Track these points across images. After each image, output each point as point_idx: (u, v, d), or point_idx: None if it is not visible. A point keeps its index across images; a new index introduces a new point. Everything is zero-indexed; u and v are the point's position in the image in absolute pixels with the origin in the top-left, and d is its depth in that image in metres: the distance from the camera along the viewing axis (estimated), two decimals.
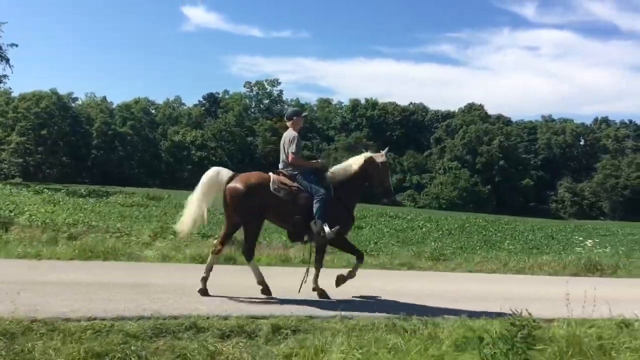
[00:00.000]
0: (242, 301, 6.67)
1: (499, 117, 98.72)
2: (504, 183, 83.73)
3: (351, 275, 7.39)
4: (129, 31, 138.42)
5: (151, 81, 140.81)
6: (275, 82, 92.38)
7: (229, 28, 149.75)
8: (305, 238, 7.16)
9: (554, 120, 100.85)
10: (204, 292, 6.84)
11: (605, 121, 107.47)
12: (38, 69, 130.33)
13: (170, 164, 79.48)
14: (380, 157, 7.52)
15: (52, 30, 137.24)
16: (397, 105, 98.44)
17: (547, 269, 11.90)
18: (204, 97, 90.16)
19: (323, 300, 7.06)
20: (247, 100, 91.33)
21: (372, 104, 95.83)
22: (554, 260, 12.67)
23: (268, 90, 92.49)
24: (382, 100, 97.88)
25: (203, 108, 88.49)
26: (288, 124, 7.48)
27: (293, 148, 7.13)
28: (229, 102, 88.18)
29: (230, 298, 6.77)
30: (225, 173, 7.14)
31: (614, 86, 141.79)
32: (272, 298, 6.93)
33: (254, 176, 7.09)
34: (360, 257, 7.49)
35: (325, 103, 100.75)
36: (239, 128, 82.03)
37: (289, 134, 7.32)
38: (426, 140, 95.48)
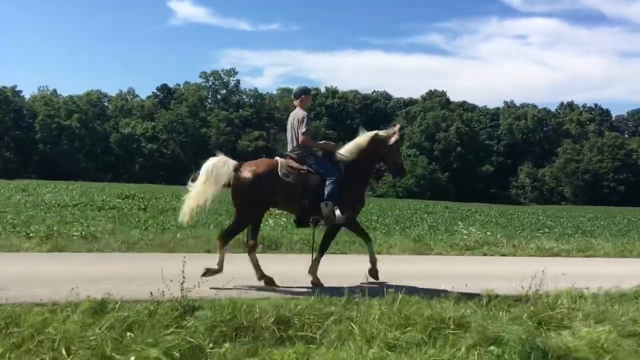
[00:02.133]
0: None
1: (463, 104, 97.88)
2: (463, 170, 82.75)
3: (374, 260, 7.20)
4: (115, 26, 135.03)
5: (137, 77, 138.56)
6: (232, 72, 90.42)
7: (216, 22, 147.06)
8: (312, 221, 6.90)
9: (516, 105, 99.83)
10: (269, 281, 6.72)
11: (570, 106, 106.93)
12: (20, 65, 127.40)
13: (120, 157, 77.47)
14: (393, 136, 7.18)
15: (33, 25, 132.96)
16: (358, 93, 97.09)
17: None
18: (157, 89, 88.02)
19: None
20: (205, 91, 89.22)
21: (332, 92, 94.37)
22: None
23: (225, 80, 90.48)
24: (365, 91, 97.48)
25: (157, 99, 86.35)
26: (296, 102, 7.14)
27: (303, 128, 6.80)
28: (184, 93, 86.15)
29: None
30: (232, 163, 6.71)
31: (603, 73, 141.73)
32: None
33: (261, 164, 6.75)
34: (369, 242, 7.28)
35: (285, 92, 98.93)
36: (192, 119, 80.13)
37: (298, 113, 6.97)
38: (387, 128, 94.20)
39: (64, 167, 73.27)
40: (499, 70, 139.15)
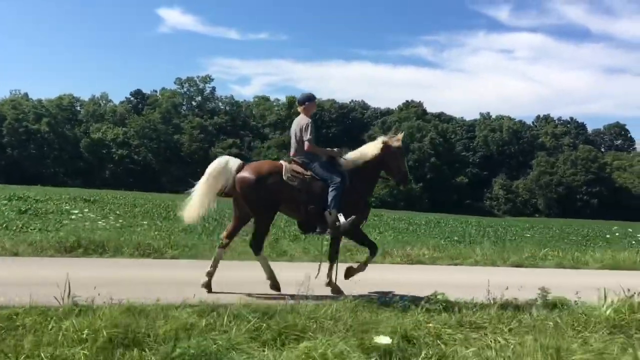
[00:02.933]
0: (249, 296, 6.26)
1: (440, 115, 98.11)
2: (437, 181, 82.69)
3: (361, 268, 7.14)
4: (102, 32, 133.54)
5: (124, 84, 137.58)
6: (207, 79, 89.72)
7: (205, 30, 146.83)
8: (318, 229, 6.83)
9: (491, 117, 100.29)
10: (207, 285, 6.63)
11: (546, 119, 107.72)
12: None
13: (90, 162, 76.24)
14: (396, 142, 7.21)
15: (23, 31, 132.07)
16: (335, 102, 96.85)
17: None
18: (131, 94, 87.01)
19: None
20: (180, 98, 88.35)
21: None
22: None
23: (200, 87, 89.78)
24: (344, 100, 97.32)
25: (130, 105, 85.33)
26: (300, 109, 7.15)
27: (308, 135, 6.78)
28: (158, 99, 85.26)
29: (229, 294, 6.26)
30: (234, 162, 6.74)
31: (588, 88, 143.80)
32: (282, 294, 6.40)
33: (265, 165, 6.85)
34: (373, 251, 7.19)
35: (262, 100, 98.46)
36: (165, 125, 79.24)
37: (302, 120, 6.97)
38: (364, 138, 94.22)
39: (32, 172, 71.94)
40: (485, 83, 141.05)
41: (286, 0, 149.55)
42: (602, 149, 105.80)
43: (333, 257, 7.08)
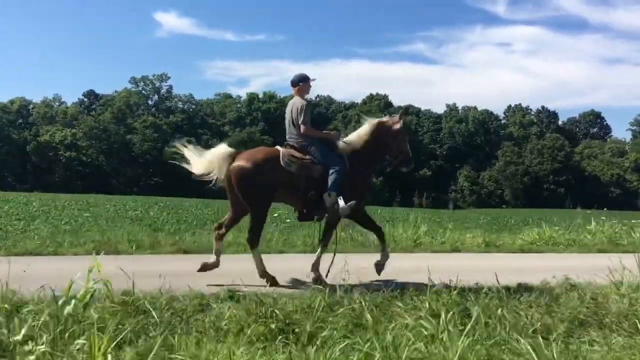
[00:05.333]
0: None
1: (407, 108, 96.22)
2: (399, 173, 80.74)
3: (386, 256, 6.95)
4: (100, 36, 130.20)
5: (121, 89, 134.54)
6: (164, 77, 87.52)
7: (202, 33, 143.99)
8: (317, 215, 6.62)
9: (457, 108, 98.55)
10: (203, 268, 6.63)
11: (520, 109, 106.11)
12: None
13: (38, 166, 74.03)
14: (395, 122, 6.98)
15: (19, 33, 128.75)
16: None
17: None
18: (83, 94, 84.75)
19: None
20: (135, 97, 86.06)
21: (270, 97, 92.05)
22: None
23: (157, 85, 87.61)
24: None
25: (83, 106, 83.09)
26: (293, 91, 6.94)
27: (303, 117, 6.58)
28: (111, 99, 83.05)
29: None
30: (229, 150, 6.52)
31: (586, 79, 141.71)
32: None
33: (260, 152, 6.59)
34: (380, 234, 7.06)
35: (224, 98, 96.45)
36: (117, 126, 77.08)
37: (297, 102, 6.75)
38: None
39: None
40: (483, 78, 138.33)
41: (282, 1, 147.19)
42: (580, 137, 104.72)
43: (325, 243, 6.77)
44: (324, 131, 7.10)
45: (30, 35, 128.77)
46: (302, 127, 6.56)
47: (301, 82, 6.88)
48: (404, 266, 7.82)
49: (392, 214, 28.36)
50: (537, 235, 12.09)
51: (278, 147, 6.63)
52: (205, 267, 6.58)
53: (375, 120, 6.99)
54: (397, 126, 6.94)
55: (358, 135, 6.92)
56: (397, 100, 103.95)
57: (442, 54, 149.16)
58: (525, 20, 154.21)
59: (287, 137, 6.78)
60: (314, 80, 6.96)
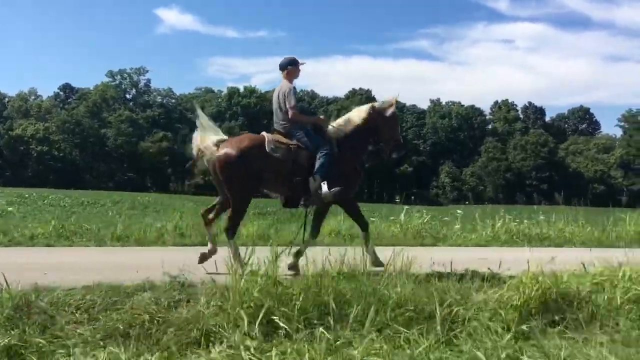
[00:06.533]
0: None
1: (398, 97, 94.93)
2: (379, 169, 79.67)
3: (371, 248, 6.49)
4: (101, 33, 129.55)
5: None
6: (142, 71, 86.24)
7: (204, 29, 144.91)
8: (303, 201, 6.40)
9: (441, 103, 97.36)
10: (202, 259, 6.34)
11: (506, 105, 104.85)
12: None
13: (10, 161, 72.80)
14: (388, 107, 6.72)
15: (20, 31, 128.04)
16: None
17: None
18: (59, 88, 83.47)
19: None
20: (113, 91, 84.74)
21: (250, 92, 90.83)
22: None
23: (135, 79, 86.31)
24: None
25: (58, 100, 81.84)
26: (282, 75, 6.62)
27: (292, 102, 6.34)
28: (87, 93, 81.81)
29: None
30: (215, 137, 6.25)
31: (589, 77, 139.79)
32: None
33: (245, 139, 6.33)
34: (364, 227, 6.71)
35: (204, 93, 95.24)
36: (91, 119, 75.86)
37: (284, 85, 6.51)
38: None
39: None
40: (486, 74, 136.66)
41: None
42: (569, 132, 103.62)
43: (314, 232, 6.56)
44: (312, 116, 6.94)
45: (27, 31, 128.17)
46: (289, 112, 6.34)
47: (290, 66, 6.64)
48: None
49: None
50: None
51: (264, 134, 6.37)
52: (204, 257, 6.34)
53: (367, 105, 6.83)
54: (390, 111, 6.73)
55: (348, 119, 6.73)
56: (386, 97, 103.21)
57: (444, 51, 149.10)
58: (528, 17, 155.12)
59: (274, 122, 6.61)
60: (303, 64, 6.69)
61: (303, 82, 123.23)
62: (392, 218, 12.84)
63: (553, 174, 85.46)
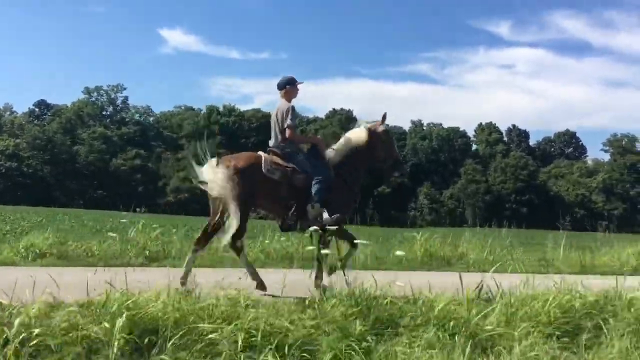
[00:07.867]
0: None
1: (385, 114, 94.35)
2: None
3: (346, 263, 6.40)
4: (105, 53, 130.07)
5: None
6: (119, 88, 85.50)
7: (207, 50, 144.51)
8: (299, 225, 6.33)
9: (422, 125, 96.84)
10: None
11: (489, 127, 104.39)
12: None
13: None
14: (379, 125, 6.71)
15: (24, 47, 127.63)
16: (259, 111, 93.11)
17: None
18: (34, 104, 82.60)
19: None
20: (89, 108, 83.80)
21: (229, 110, 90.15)
22: None
23: (112, 97, 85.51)
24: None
25: (32, 116, 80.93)
26: (280, 94, 6.70)
27: (288, 121, 6.37)
28: (61, 109, 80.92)
29: None
30: (213, 160, 6.14)
31: (589, 102, 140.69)
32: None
33: (242, 157, 6.26)
34: (355, 246, 6.62)
35: (184, 111, 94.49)
36: (63, 136, 74.85)
37: (282, 105, 6.58)
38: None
39: None
40: (487, 98, 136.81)
41: (286, 19, 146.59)
42: (554, 157, 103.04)
43: (323, 256, 6.26)
44: (309, 136, 6.29)
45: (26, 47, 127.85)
46: (287, 131, 6.34)
47: (288, 85, 6.65)
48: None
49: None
50: None
51: (261, 153, 6.33)
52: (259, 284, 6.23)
53: (362, 126, 6.73)
54: (382, 128, 6.69)
55: (345, 142, 6.65)
56: (392, 120, 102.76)
57: (445, 75, 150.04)
58: (528, 42, 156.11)
59: (271, 143, 6.54)
60: (301, 83, 6.65)
61: (309, 103, 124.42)
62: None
63: (533, 197, 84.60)
